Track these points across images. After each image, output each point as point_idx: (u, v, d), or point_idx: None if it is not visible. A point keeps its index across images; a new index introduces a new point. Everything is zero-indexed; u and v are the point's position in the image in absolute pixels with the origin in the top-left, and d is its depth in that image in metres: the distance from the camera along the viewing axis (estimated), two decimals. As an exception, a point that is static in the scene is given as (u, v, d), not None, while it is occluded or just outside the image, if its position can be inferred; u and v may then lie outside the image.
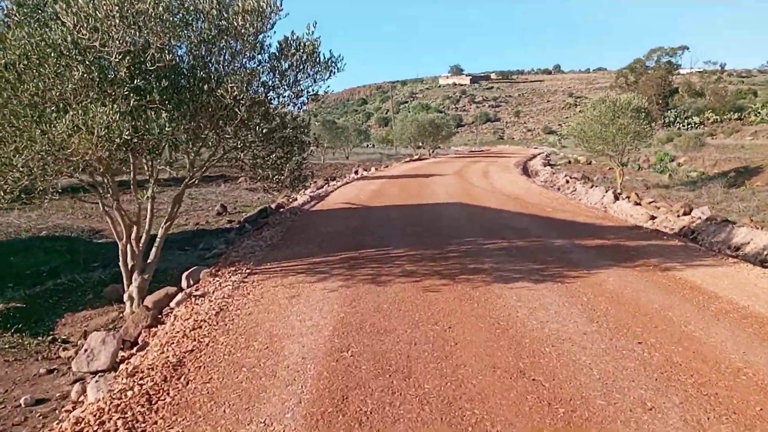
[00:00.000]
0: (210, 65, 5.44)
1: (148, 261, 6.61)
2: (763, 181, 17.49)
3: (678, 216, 11.25)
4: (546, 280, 6.28)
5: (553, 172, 22.28)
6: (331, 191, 16.93)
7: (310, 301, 5.57)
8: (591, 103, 18.35)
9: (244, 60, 5.59)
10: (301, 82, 6.22)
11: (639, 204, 13.36)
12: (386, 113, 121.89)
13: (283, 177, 7.29)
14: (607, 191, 15.15)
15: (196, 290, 6.08)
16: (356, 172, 26.11)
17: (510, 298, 5.58)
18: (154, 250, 6.66)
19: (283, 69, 5.90)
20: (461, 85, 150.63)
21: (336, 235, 9.21)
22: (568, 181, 19.18)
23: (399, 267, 6.94)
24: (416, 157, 39.50)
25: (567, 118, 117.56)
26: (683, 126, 65.21)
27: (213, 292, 6.02)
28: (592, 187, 16.75)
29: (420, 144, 41.85)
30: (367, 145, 62.97)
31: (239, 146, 6.22)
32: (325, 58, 6.44)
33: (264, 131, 6.38)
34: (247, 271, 6.92)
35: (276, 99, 6.24)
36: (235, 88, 5.31)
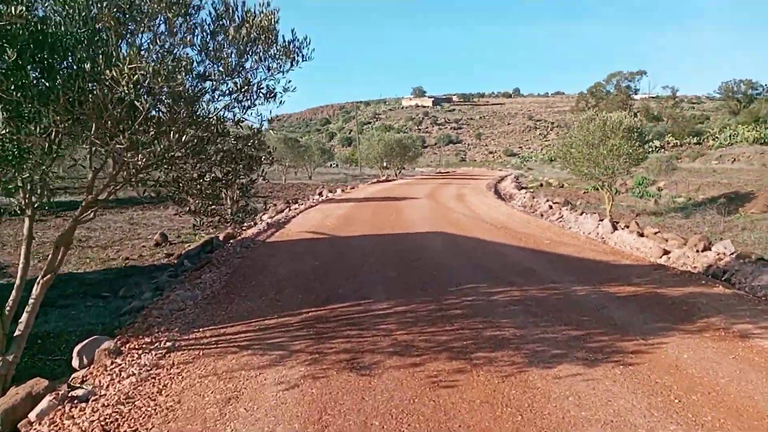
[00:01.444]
0: (95, 33, 3.40)
1: (16, 333, 4.43)
2: (758, 209, 16.36)
3: (697, 252, 9.65)
4: (598, 359, 4.40)
5: (532, 196, 20.77)
6: (293, 216, 14.83)
7: (254, 411, 3.51)
8: (578, 121, 16.94)
9: (157, 28, 3.59)
10: (249, 71, 4.25)
11: (642, 235, 11.78)
12: (350, 133, 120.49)
13: (222, 208, 5.25)
14: (602, 219, 13.59)
15: (79, 386, 3.93)
16: (321, 194, 24.05)
17: (565, 399, 3.66)
18: (25, 316, 4.48)
19: (220, 47, 3.91)
20: (424, 106, 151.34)
21: (297, 281, 7.15)
22: (551, 207, 17.61)
23: (387, 336, 4.95)
24: (383, 178, 37.72)
25: (528, 141, 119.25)
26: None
27: (106, 388, 3.89)
28: (581, 214, 15.19)
29: (386, 164, 40.15)
30: (331, 165, 61.03)
31: (152, 162, 4.19)
32: (285, 40, 4.50)
33: (191, 141, 4.36)
34: (168, 344, 4.79)
35: (210, 93, 4.25)
36: (137, 71, 3.30)
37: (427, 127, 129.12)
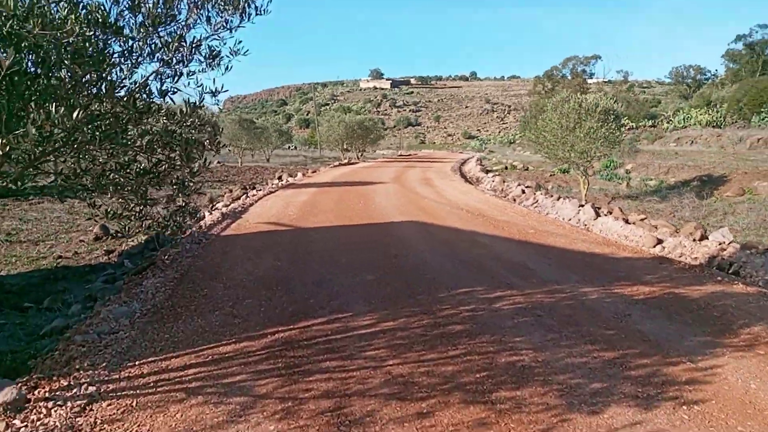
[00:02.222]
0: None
1: None
2: (733, 192, 16.02)
3: (694, 240, 8.96)
4: (652, 396, 3.46)
5: (503, 180, 19.99)
6: (251, 204, 13.50)
7: None
8: (551, 103, 16.12)
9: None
10: (182, 24, 3.05)
11: (628, 222, 11.08)
12: (307, 115, 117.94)
13: (152, 209, 4.05)
14: (582, 205, 12.88)
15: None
16: (280, 178, 22.63)
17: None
18: None
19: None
20: (382, 89, 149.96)
21: (258, 288, 5.96)
22: (524, 192, 16.86)
23: (377, 367, 3.87)
24: (345, 161, 36.41)
25: (485, 123, 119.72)
26: (603, 132, 66.63)
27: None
28: (558, 199, 14.45)
29: (347, 147, 38.82)
30: (289, 147, 59.17)
31: (49, 149, 2.95)
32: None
33: (102, 119, 3.14)
34: (91, 389, 3.58)
35: (128, 54, 3.03)
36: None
37: (386, 110, 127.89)
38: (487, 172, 29.30)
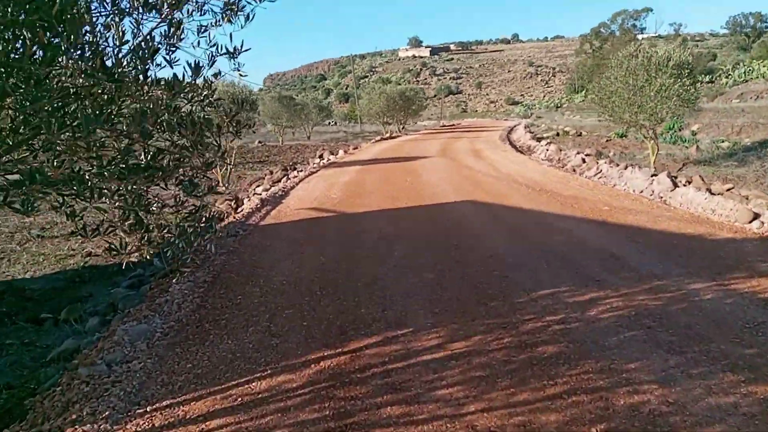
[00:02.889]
0: None
1: None
2: (828, 152, 14.11)
3: (808, 214, 7.56)
4: None
5: (559, 148, 18.50)
6: (292, 187, 12.70)
7: None
8: (616, 59, 14.49)
9: None
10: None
11: (713, 193, 9.67)
12: (346, 89, 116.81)
13: (155, 215, 3.18)
14: (654, 174, 11.48)
15: None
16: (321, 157, 21.83)
17: None
18: None
19: None
20: (421, 57, 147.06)
21: (299, 294, 5.09)
22: (584, 160, 15.43)
23: (455, 416, 2.92)
24: (387, 135, 35.28)
25: (529, 88, 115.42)
26: (658, 91, 62.93)
27: None
28: (626, 168, 13.02)
29: (388, 120, 37.61)
30: (329, 123, 58.42)
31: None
32: None
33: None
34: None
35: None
36: None
37: (425, 79, 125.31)
38: (539, 139, 27.66)
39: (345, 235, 7.32)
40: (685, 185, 10.41)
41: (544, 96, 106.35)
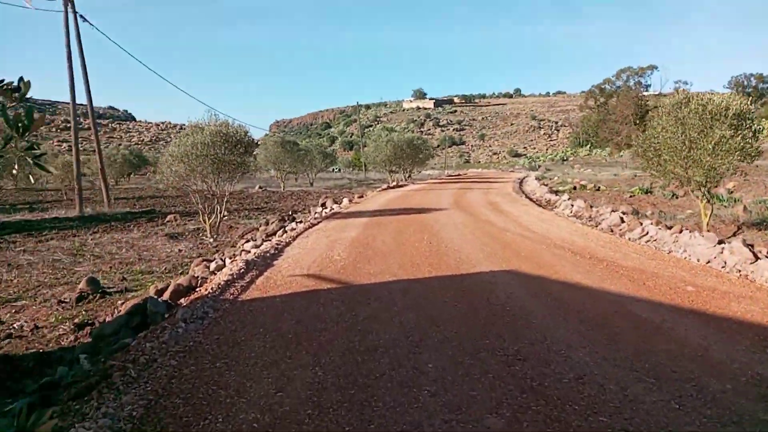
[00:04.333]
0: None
1: None
2: None
3: None
4: None
5: (589, 205, 16.57)
6: (287, 244, 10.67)
7: None
8: (663, 107, 12.77)
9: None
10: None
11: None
12: (351, 137, 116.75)
13: None
14: (722, 241, 9.52)
15: None
16: (324, 205, 19.91)
17: None
18: None
19: None
20: (425, 108, 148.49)
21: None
22: (623, 220, 13.48)
23: None
24: (393, 183, 33.54)
25: (532, 141, 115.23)
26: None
27: None
28: (681, 231, 11.04)
29: (394, 168, 36.00)
30: (334, 170, 57.06)
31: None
32: None
33: None
34: None
35: None
36: None
37: (429, 129, 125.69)
38: (555, 192, 25.88)
39: (351, 326, 5.21)
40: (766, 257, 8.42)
41: (547, 149, 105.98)
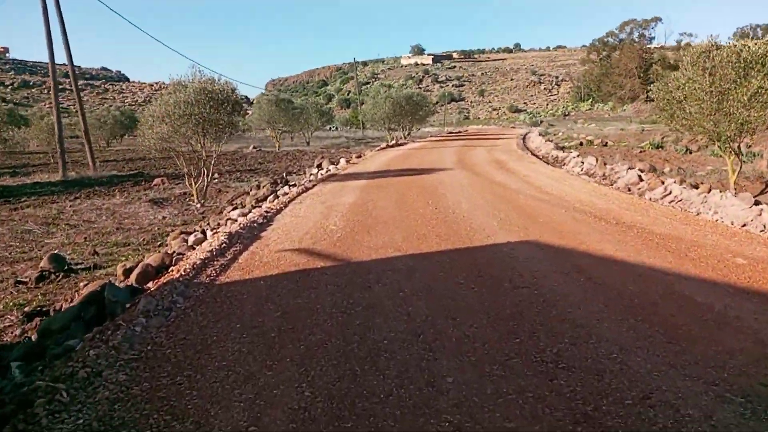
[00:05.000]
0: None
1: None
2: None
3: None
4: None
5: (603, 162, 15.48)
6: (278, 211, 9.69)
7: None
8: (689, 56, 11.55)
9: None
10: None
11: None
12: (348, 94, 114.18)
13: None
14: (759, 202, 8.58)
15: None
16: (320, 166, 18.83)
17: None
18: None
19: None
20: (423, 65, 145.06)
21: None
22: (641, 178, 12.45)
23: None
24: (393, 142, 32.28)
25: (532, 96, 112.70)
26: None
27: None
28: (709, 191, 10.06)
29: (393, 126, 34.63)
30: (330, 128, 55.55)
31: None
32: None
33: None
34: None
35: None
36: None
37: (428, 86, 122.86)
38: (562, 149, 24.75)
39: (348, 320, 4.27)
40: (817, 220, 7.50)
41: (548, 104, 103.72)
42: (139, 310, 4.44)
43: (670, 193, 10.91)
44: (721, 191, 9.84)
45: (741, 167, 11.74)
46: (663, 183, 11.48)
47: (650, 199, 10.74)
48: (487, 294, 4.71)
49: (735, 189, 11.18)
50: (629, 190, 11.91)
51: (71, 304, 5.04)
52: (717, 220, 8.36)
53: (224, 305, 4.69)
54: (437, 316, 4.22)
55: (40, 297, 6.13)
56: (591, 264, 5.61)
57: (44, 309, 5.62)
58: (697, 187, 10.59)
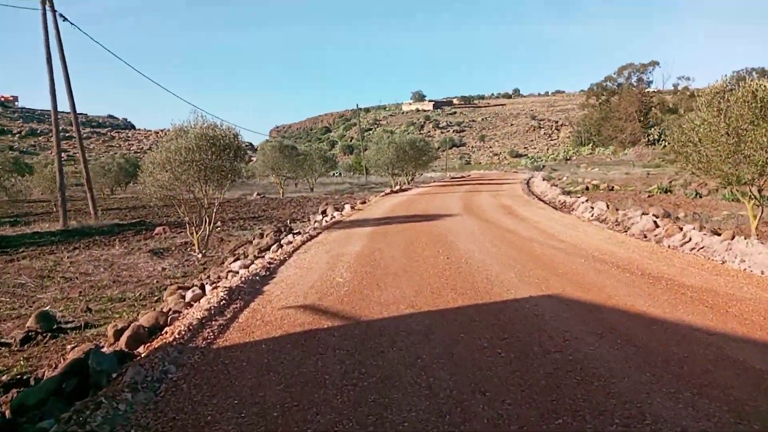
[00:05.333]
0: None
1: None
2: None
3: None
4: None
5: (615, 208, 15.09)
6: (282, 261, 9.24)
7: None
8: (703, 98, 11.32)
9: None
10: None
11: None
12: (351, 141, 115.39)
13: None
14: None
15: None
16: (324, 213, 18.47)
17: None
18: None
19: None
20: (424, 110, 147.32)
21: None
22: (656, 224, 12.00)
23: None
24: (396, 187, 32.08)
25: (532, 141, 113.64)
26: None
27: None
28: (733, 238, 9.59)
29: (397, 171, 34.54)
30: (334, 174, 55.64)
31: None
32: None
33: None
34: None
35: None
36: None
37: (429, 132, 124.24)
38: (568, 193, 24.44)
39: (360, 397, 3.74)
40: None
41: (548, 149, 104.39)
42: (125, 382, 3.93)
43: (690, 240, 10.45)
44: (745, 238, 9.39)
45: (762, 211, 11.30)
46: (681, 229, 11.03)
47: (669, 246, 10.27)
48: (516, 361, 4.19)
49: (757, 235, 10.74)
50: (645, 236, 11.46)
51: (53, 373, 4.53)
52: (745, 269, 7.88)
53: (221, 375, 4.18)
54: (463, 389, 3.70)
55: (22, 362, 5.62)
56: (625, 322, 5.10)
57: (25, 377, 5.10)
58: (718, 234, 10.12)
